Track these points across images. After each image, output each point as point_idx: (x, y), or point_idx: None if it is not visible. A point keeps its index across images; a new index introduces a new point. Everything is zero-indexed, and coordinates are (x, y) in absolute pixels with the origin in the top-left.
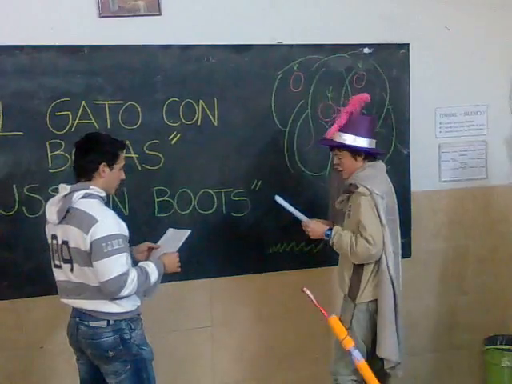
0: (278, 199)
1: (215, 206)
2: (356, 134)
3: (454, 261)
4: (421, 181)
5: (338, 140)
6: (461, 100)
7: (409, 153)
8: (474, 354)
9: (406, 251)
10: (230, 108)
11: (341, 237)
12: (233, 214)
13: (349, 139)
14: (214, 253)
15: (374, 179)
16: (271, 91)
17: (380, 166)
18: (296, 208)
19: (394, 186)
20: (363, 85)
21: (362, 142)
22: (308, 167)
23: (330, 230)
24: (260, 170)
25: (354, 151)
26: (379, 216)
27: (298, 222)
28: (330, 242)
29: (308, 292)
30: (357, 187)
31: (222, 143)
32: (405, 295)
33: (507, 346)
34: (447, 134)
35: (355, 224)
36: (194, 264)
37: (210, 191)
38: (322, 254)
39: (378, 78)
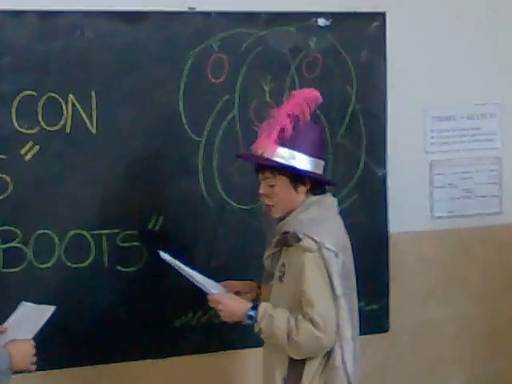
0: (165, 256)
1: (92, 255)
2: (300, 151)
3: (454, 337)
4: (404, 217)
5: (271, 157)
6: (462, 96)
7: (386, 175)
8: None
9: (383, 323)
10: (116, 107)
11: (273, 320)
12: (119, 267)
13: (288, 157)
14: (91, 331)
15: (324, 225)
16: (179, 82)
17: (330, 203)
18: (200, 271)
19: (366, 225)
20: (318, 74)
21: (306, 163)
22: (234, 196)
23: (255, 308)
24: (161, 200)
25: (296, 177)
26: (332, 283)
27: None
28: (256, 329)
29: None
30: (298, 238)
31: (104, 160)
32: None
33: None
34: (442, 148)
35: (293, 295)
36: (61, 349)
37: (84, 233)
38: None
39: (340, 63)
